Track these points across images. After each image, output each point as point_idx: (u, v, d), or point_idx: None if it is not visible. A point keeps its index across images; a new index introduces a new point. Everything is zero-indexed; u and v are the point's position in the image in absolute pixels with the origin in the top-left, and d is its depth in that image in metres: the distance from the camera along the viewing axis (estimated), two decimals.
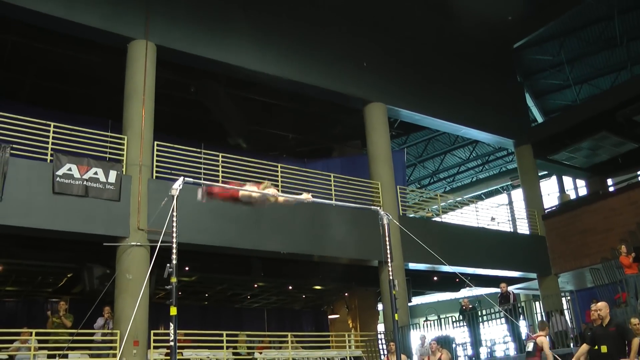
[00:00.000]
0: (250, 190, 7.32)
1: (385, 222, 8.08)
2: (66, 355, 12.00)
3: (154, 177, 13.36)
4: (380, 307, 23.38)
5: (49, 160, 12.04)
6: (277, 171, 15.52)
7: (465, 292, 24.63)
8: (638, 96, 18.46)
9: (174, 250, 6.19)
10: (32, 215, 11.52)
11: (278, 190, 7.55)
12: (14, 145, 11.61)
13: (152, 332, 12.63)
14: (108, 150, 13.13)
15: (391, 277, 7.98)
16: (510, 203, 33.06)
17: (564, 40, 23.01)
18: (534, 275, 20.61)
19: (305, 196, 7.62)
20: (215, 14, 15.64)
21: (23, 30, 15.16)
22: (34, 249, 15.10)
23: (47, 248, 15.06)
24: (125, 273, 12.24)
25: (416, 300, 32.05)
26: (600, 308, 8.79)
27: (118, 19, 13.92)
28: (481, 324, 16.23)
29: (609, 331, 8.55)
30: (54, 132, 12.32)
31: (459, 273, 14.71)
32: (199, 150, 14.52)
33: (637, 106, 18.54)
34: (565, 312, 15.68)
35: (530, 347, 11.86)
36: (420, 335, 16.36)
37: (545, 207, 22.32)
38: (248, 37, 15.97)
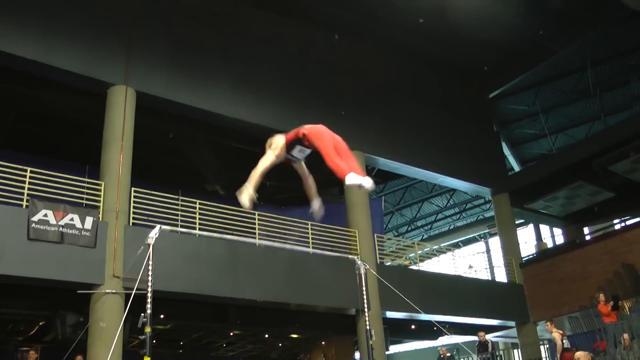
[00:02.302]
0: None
1: (362, 271, 8.06)
2: None
3: (131, 224, 13.21)
4: (357, 356, 23.13)
5: (24, 206, 11.86)
6: (254, 218, 15.44)
7: (443, 341, 24.48)
8: (613, 146, 18.77)
9: (149, 299, 6.12)
10: (6, 261, 11.26)
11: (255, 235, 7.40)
12: None
13: None
14: (85, 196, 12.98)
15: (368, 327, 7.93)
16: (488, 251, 33.23)
17: (539, 90, 23.43)
18: (512, 323, 20.55)
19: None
20: (195, 61, 15.73)
21: (2, 73, 15.12)
22: (6, 297, 14.80)
23: (20, 295, 14.78)
24: (99, 321, 11.99)
25: (394, 349, 31.77)
26: (579, 357, 8.80)
27: (98, 64, 13.94)
28: None
29: None
30: (30, 177, 12.18)
31: (437, 321, 14.65)
32: (176, 197, 14.41)
33: (612, 156, 18.86)
34: None
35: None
36: None
37: (523, 255, 22.40)
38: (227, 84, 16.06)
